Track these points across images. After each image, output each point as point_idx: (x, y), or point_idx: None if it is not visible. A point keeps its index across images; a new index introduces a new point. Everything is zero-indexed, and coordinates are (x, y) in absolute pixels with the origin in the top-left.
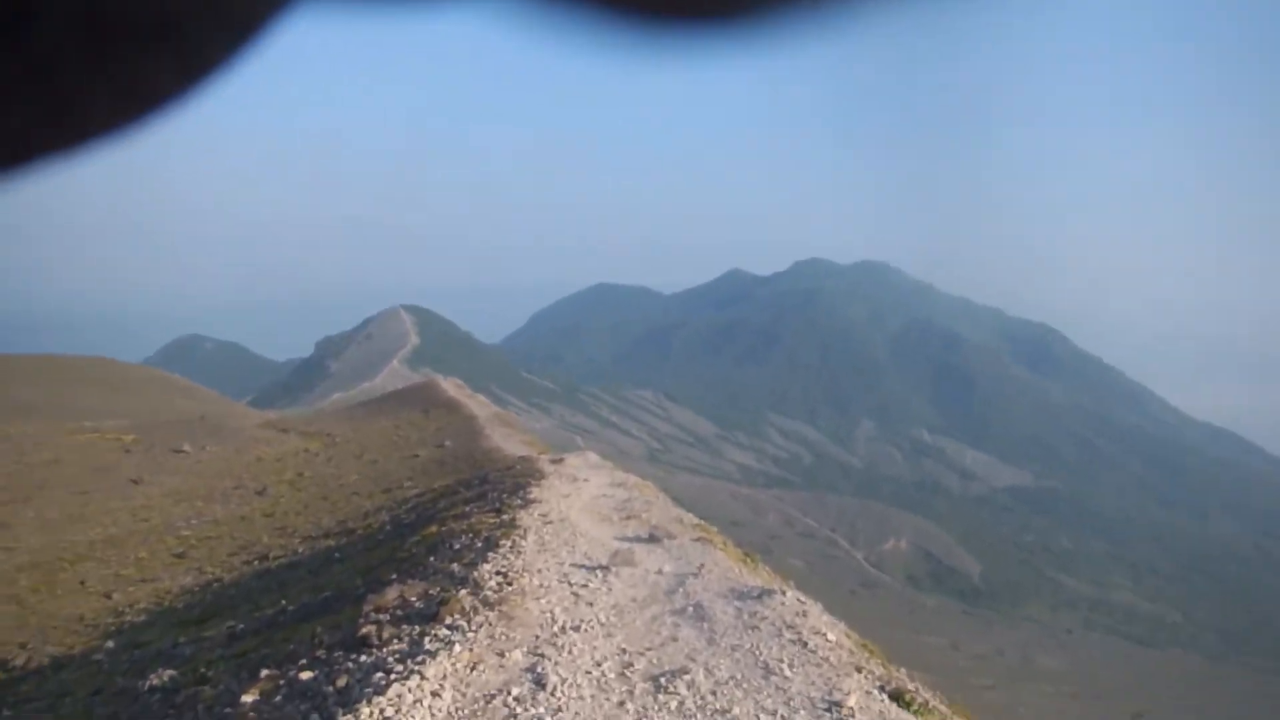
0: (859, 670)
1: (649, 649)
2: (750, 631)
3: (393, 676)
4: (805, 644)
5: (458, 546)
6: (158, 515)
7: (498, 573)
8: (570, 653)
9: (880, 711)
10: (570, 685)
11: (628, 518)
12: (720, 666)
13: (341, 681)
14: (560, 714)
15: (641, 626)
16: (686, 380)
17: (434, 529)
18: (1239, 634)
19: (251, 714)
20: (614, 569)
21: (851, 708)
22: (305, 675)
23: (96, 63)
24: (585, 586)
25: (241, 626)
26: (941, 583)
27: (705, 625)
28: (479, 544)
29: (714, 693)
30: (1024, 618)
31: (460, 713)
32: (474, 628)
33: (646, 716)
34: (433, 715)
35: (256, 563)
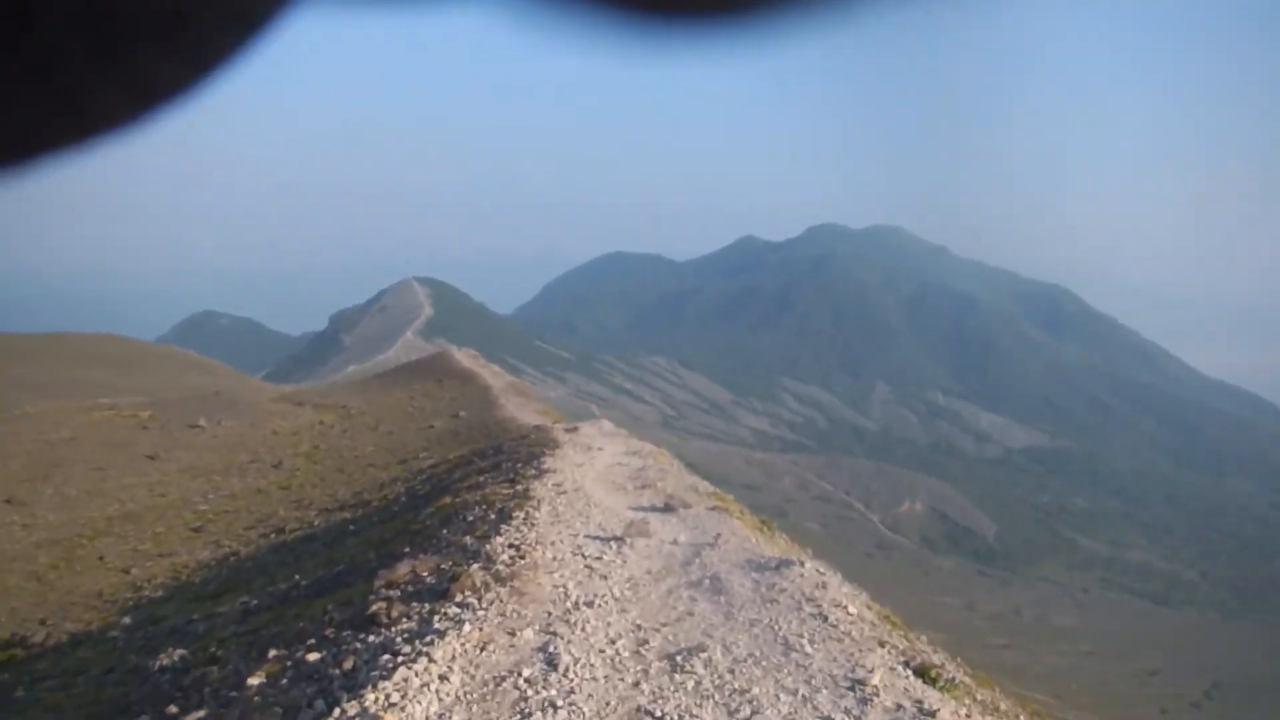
0: (882, 645)
1: (664, 625)
2: (769, 605)
3: (400, 659)
4: (826, 618)
5: (471, 518)
6: (175, 490)
7: (510, 545)
8: (583, 630)
9: (905, 689)
10: (583, 665)
11: (642, 487)
12: (738, 643)
13: (348, 664)
14: (572, 696)
15: (657, 601)
16: (700, 347)
17: (448, 500)
18: (1254, 592)
19: (256, 698)
20: (629, 540)
21: (876, 686)
22: (312, 656)
23: (101, 58)
24: (599, 559)
25: (255, 602)
26: (957, 544)
27: (722, 599)
28: (492, 516)
29: (732, 671)
30: (1039, 578)
31: (469, 696)
32: (485, 605)
33: (662, 698)
34: (440, 700)
35: (273, 536)
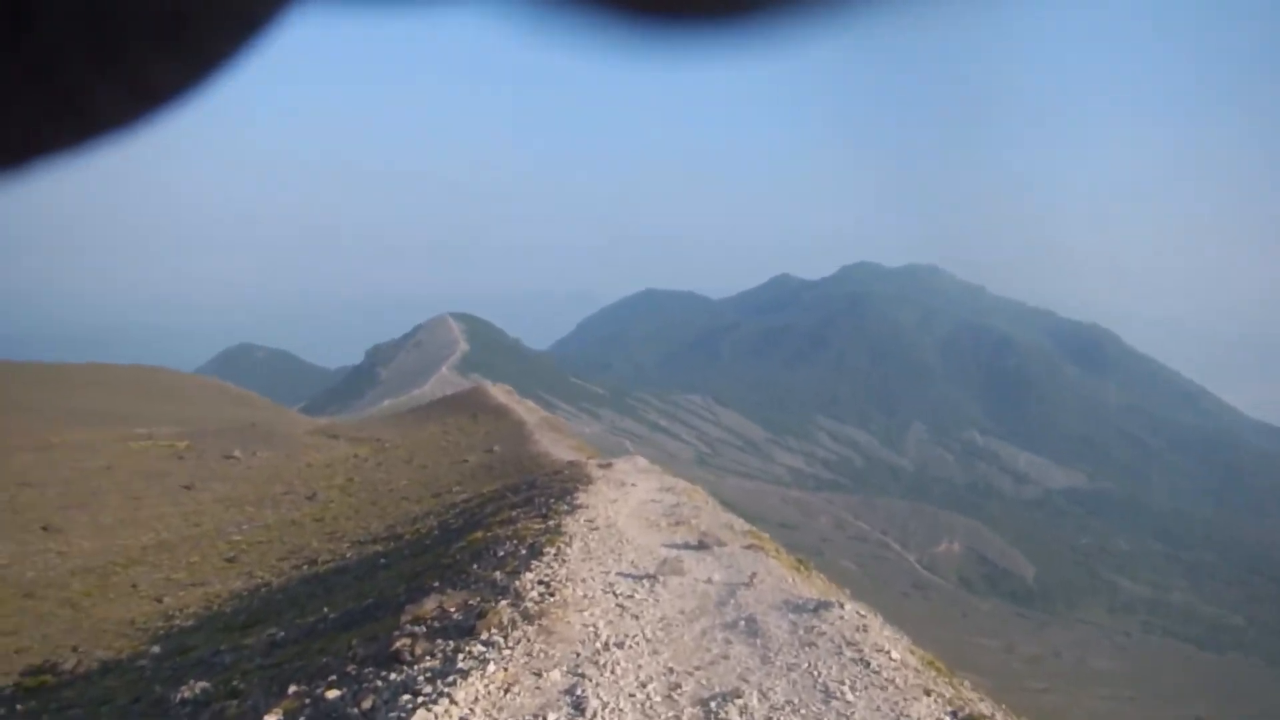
0: (928, 694)
1: (698, 668)
2: (807, 649)
3: (420, 699)
4: (867, 663)
5: (502, 553)
6: (209, 520)
7: (540, 582)
8: (613, 672)
9: None
10: (612, 710)
11: (676, 524)
12: (775, 689)
13: (367, 703)
14: None
15: (690, 642)
16: (735, 384)
17: (479, 535)
18: None
19: None
20: (662, 578)
21: None
22: (332, 694)
23: (101, 59)
24: (631, 597)
25: (282, 634)
26: (995, 585)
27: (758, 641)
28: (523, 551)
29: (769, 719)
30: (1080, 620)
31: None
32: (511, 643)
33: None
34: None
35: (305, 567)
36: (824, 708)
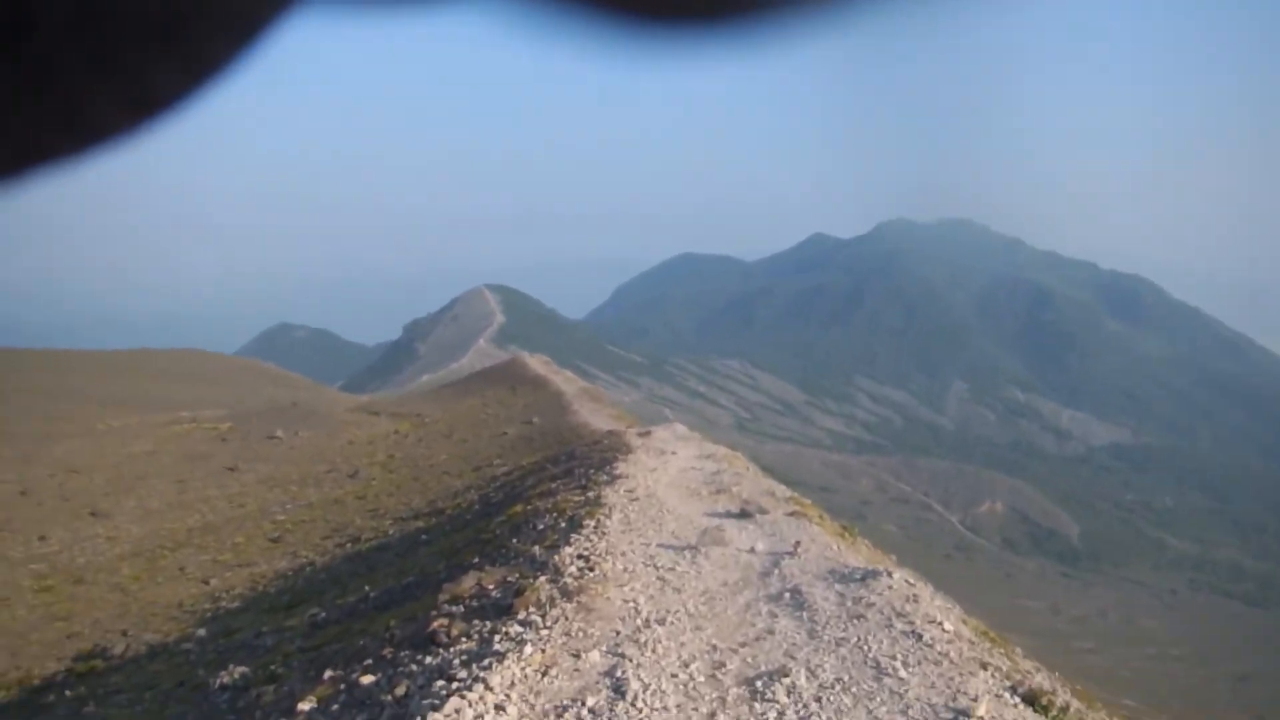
0: (984, 667)
1: (743, 645)
2: (855, 621)
3: (455, 685)
4: (920, 636)
5: (541, 527)
6: (253, 501)
7: (579, 556)
8: (654, 651)
9: None
10: (653, 692)
11: (717, 492)
12: (824, 666)
13: (401, 689)
14: None
15: (734, 617)
16: (773, 348)
17: (519, 508)
18: None
19: None
20: (703, 549)
21: (982, 717)
22: (366, 680)
23: (100, 65)
24: (672, 570)
25: (324, 615)
26: (1039, 545)
27: (804, 614)
28: (563, 524)
29: (819, 700)
30: (1126, 579)
31: None
32: (549, 623)
33: None
34: None
35: (349, 545)
36: (876, 685)
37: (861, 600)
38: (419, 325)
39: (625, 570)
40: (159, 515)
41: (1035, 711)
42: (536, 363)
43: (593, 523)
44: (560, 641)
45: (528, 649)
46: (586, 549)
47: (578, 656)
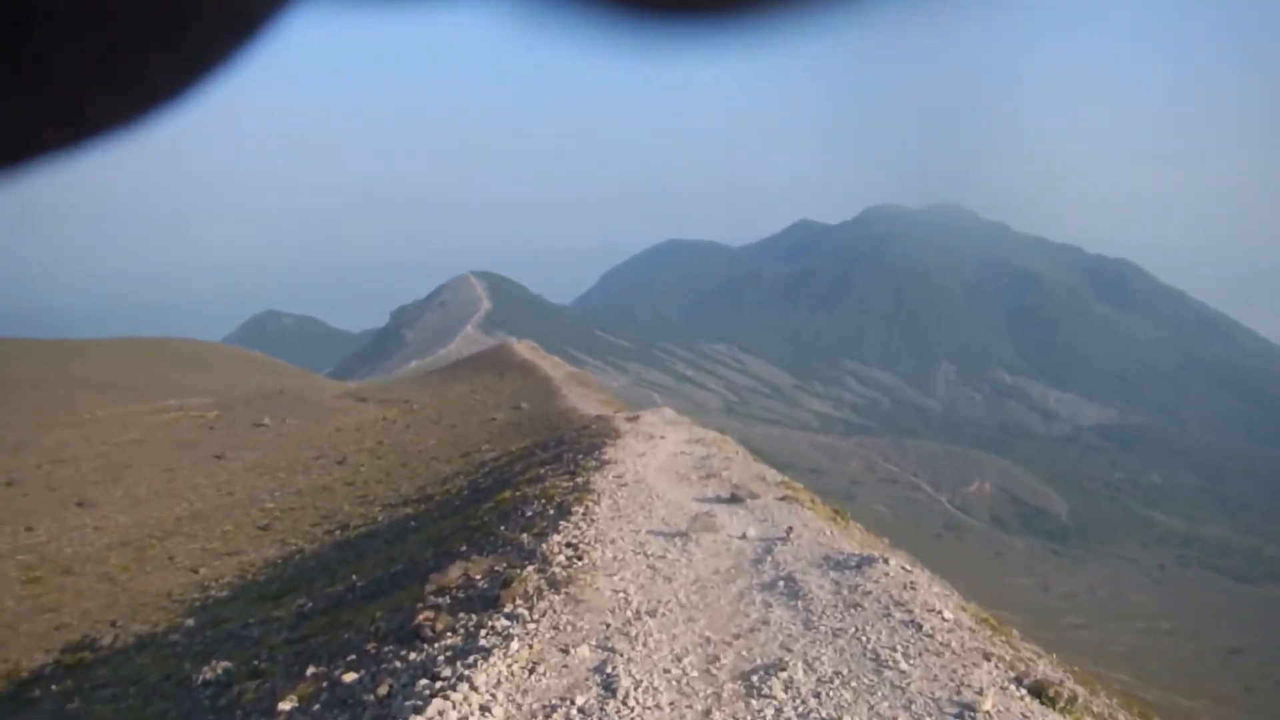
0: (987, 658)
1: (737, 636)
2: (853, 611)
3: (439, 684)
4: (919, 625)
5: (529, 514)
6: (242, 489)
7: (568, 544)
8: (645, 645)
9: (1023, 714)
10: (645, 689)
11: (707, 476)
12: (822, 658)
13: (383, 689)
14: None
15: (727, 606)
16: (760, 332)
17: (507, 494)
18: None
19: None
20: (694, 535)
21: (988, 712)
22: (349, 678)
23: (99, 60)
24: (663, 558)
25: (310, 605)
26: (1028, 524)
27: (800, 603)
28: (551, 511)
29: (817, 695)
30: (1115, 556)
31: None
32: (536, 615)
33: None
34: None
35: (338, 532)
36: (876, 679)
37: (858, 588)
38: (406, 312)
39: (614, 559)
40: (147, 504)
41: (1043, 704)
42: (524, 348)
43: (581, 509)
44: (548, 636)
45: (514, 644)
46: (575, 537)
47: (566, 652)
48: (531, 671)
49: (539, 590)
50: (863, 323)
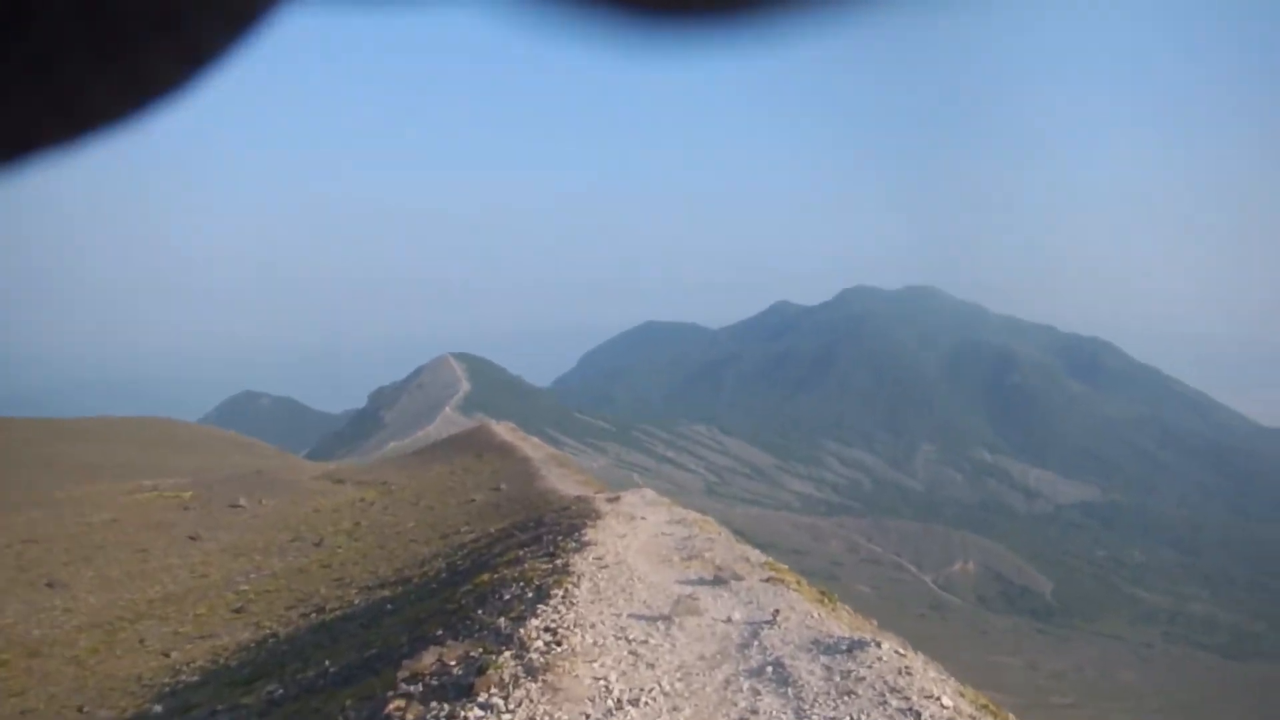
0: None
1: None
2: (846, 699)
3: None
4: (918, 714)
5: (508, 597)
6: (216, 571)
7: (546, 629)
8: None
9: None
10: None
11: (689, 558)
12: None
13: None
14: None
15: (713, 695)
16: (740, 413)
17: (486, 577)
18: None
19: None
20: (677, 619)
21: None
22: None
23: (97, 54)
24: (645, 643)
25: (281, 691)
26: (1013, 602)
27: (790, 690)
28: (529, 594)
29: None
30: (1101, 634)
31: None
32: (512, 705)
33: None
34: None
35: (313, 615)
36: None
37: (850, 674)
38: (384, 393)
39: (595, 644)
40: (119, 585)
41: None
42: (503, 429)
43: (560, 592)
44: None
45: None
46: (554, 621)
47: None
48: None
49: (515, 678)
50: (842, 403)
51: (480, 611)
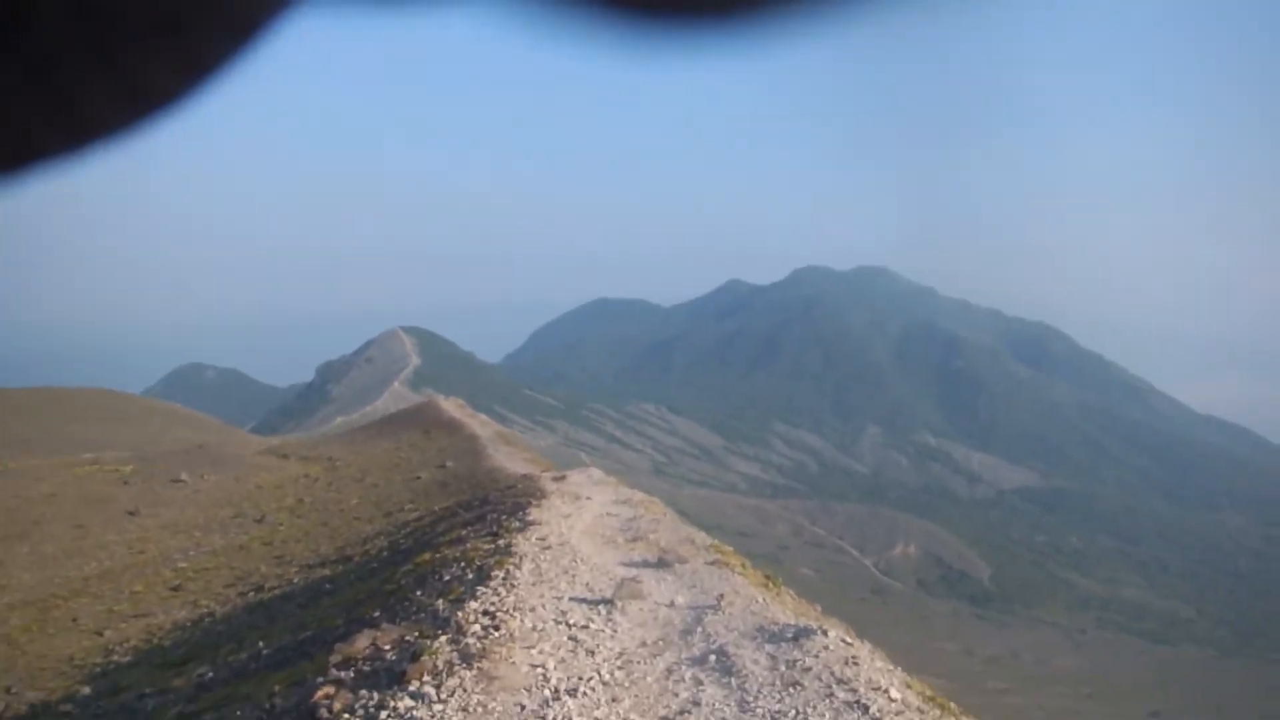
0: None
1: None
2: (792, 690)
3: None
4: (865, 707)
5: (448, 578)
6: (154, 547)
7: (485, 612)
8: None
9: None
10: None
11: (634, 539)
12: None
13: None
14: None
15: (654, 684)
16: (690, 393)
17: (427, 557)
18: (1252, 628)
19: None
20: (619, 603)
21: None
22: None
23: (98, 62)
24: (585, 628)
25: (211, 674)
26: (953, 587)
27: (733, 681)
28: (470, 575)
29: None
30: (1037, 619)
31: None
32: (444, 695)
33: None
34: None
35: (251, 595)
36: None
37: (796, 664)
38: (332, 367)
39: (534, 629)
40: (54, 562)
41: None
42: (451, 406)
43: (501, 573)
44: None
45: None
46: (493, 604)
47: None
48: None
49: (449, 665)
50: (792, 384)
51: (419, 593)
